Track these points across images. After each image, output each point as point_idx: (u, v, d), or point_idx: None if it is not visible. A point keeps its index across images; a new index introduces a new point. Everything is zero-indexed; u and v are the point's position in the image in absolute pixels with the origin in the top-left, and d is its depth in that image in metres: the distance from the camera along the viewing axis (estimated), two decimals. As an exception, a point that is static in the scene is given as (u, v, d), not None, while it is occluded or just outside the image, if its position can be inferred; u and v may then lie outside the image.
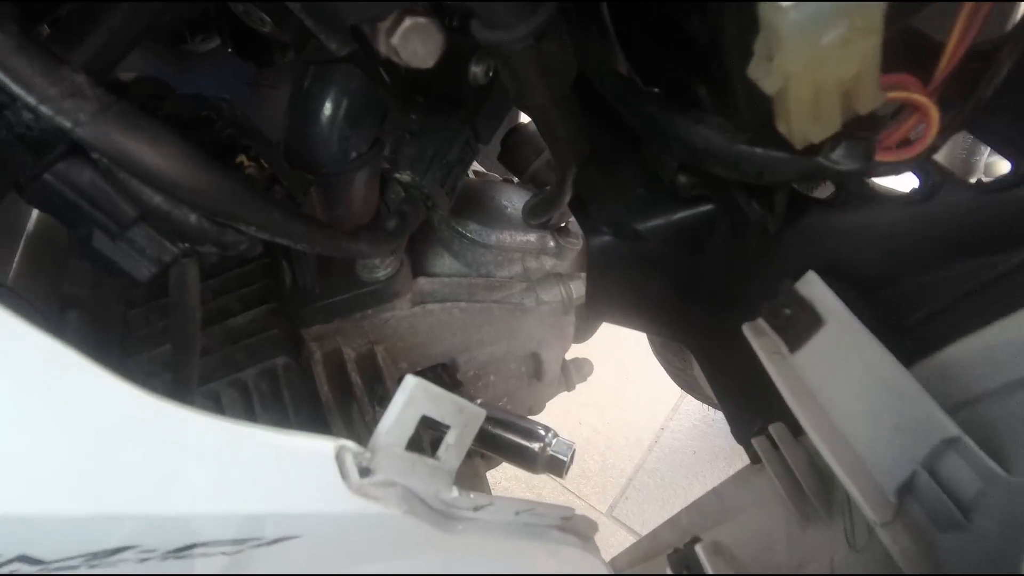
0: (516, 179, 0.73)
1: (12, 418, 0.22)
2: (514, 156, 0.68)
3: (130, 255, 0.29)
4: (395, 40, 0.28)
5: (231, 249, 0.32)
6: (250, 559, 0.33)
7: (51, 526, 0.25)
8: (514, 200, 0.65)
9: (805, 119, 0.26)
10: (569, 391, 0.82)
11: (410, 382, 0.32)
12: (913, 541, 0.29)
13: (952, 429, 0.29)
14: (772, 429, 0.45)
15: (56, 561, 0.26)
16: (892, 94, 0.26)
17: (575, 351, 0.84)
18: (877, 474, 0.31)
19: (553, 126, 0.33)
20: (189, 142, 0.27)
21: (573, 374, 0.80)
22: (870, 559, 0.34)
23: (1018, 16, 0.42)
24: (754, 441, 0.47)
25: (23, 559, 0.25)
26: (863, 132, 0.29)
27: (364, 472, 0.31)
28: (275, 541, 0.32)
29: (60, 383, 0.24)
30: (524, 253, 0.63)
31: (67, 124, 0.24)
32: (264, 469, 0.30)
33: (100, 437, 0.25)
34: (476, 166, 0.84)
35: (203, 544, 0.30)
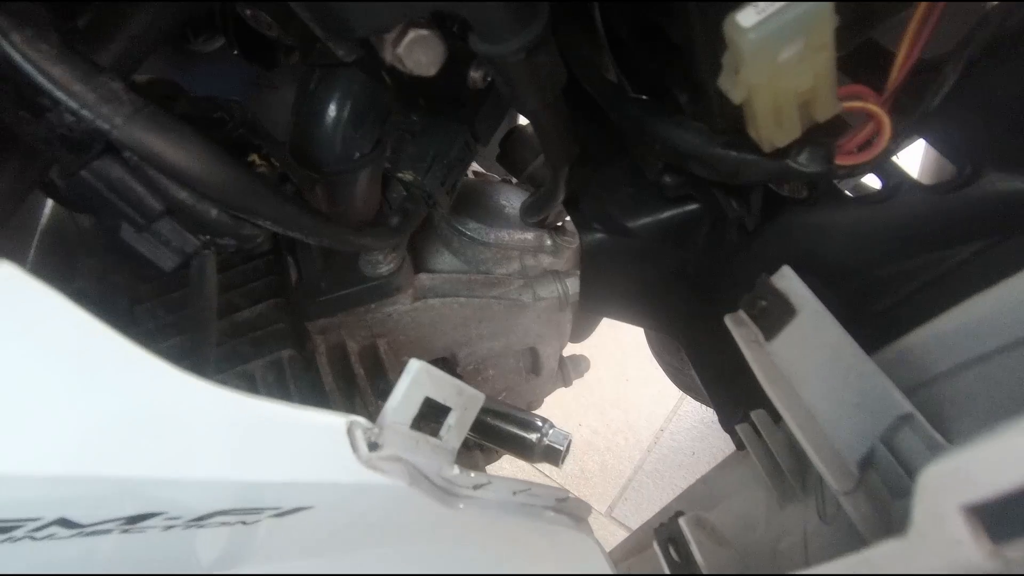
0: (515, 180, 0.75)
1: (55, 386, 0.24)
2: (512, 157, 0.70)
3: (155, 246, 0.32)
4: (400, 50, 0.31)
5: (248, 241, 0.34)
6: (267, 528, 0.35)
7: (88, 488, 0.26)
8: (512, 200, 0.68)
9: (769, 126, 0.29)
10: (566, 387, 0.85)
11: (414, 365, 0.35)
12: (871, 508, 0.32)
13: (906, 406, 0.31)
14: (754, 416, 0.47)
15: (92, 525, 0.28)
16: (847, 104, 0.29)
17: (574, 350, 0.87)
18: (841, 449, 0.34)
19: (544, 129, 0.36)
20: (212, 142, 0.30)
21: (570, 370, 0.82)
22: (838, 527, 0.37)
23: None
24: (738, 428, 0.50)
25: (62, 522, 0.27)
26: (826, 137, 0.32)
27: (373, 447, 0.34)
28: (290, 511, 0.35)
29: (100, 356, 0.26)
30: (522, 251, 0.66)
31: (105, 127, 0.27)
32: (281, 441, 0.32)
33: (134, 407, 0.27)
34: (476, 167, 0.87)
35: (223, 512, 0.33)
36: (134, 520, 0.30)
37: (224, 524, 0.34)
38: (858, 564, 0.24)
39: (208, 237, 0.33)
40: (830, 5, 0.25)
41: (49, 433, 0.24)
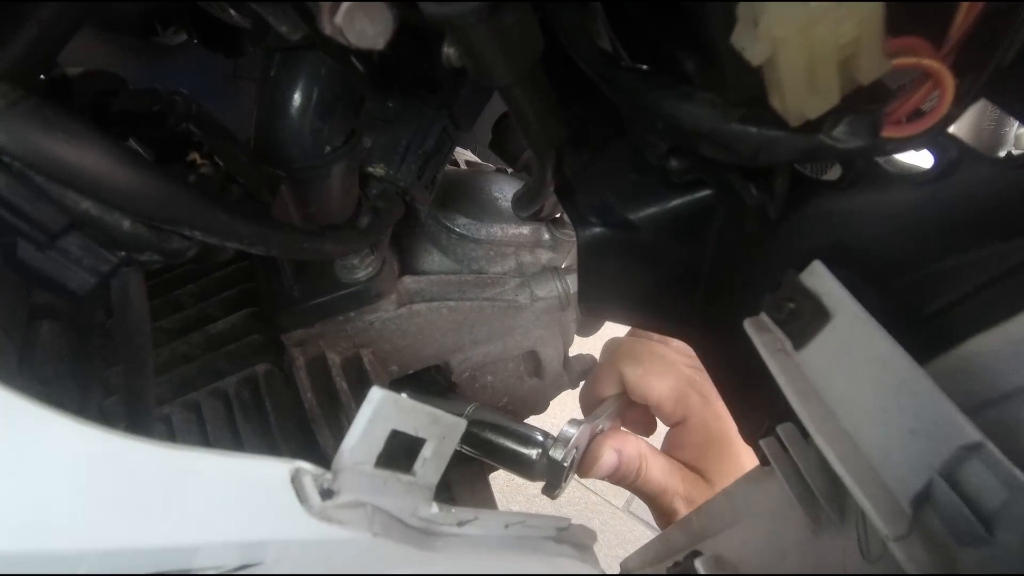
0: (510, 169, 0.70)
1: None
2: (506, 144, 0.65)
3: (63, 266, 0.27)
4: (338, 19, 0.25)
5: (177, 256, 0.29)
6: (212, 587, 0.30)
7: None
8: (506, 191, 0.62)
9: (799, 91, 0.23)
10: (573, 389, 0.80)
11: (376, 395, 0.30)
12: (930, 556, 0.26)
13: (973, 434, 0.25)
14: (780, 430, 0.41)
15: None
16: (898, 60, 0.23)
17: (584, 345, 0.81)
18: (890, 483, 0.28)
19: (521, 109, 0.30)
20: (113, 139, 0.25)
21: (577, 371, 0.77)
22: (884, 571, 0.31)
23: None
24: (762, 442, 0.44)
25: None
26: (868, 104, 0.26)
27: (326, 494, 0.29)
28: (237, 569, 0.30)
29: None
30: (517, 247, 0.61)
31: (-32, 125, 0.22)
32: (217, 496, 0.28)
33: (44, 473, 0.24)
34: (470, 156, 0.81)
35: (158, 576, 0.28)
36: (44, 591, 0.26)
37: (159, 587, 0.29)
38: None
39: (124, 253, 0.28)
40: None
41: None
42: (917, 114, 0.26)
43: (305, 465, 0.27)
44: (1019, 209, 0.27)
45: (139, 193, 0.25)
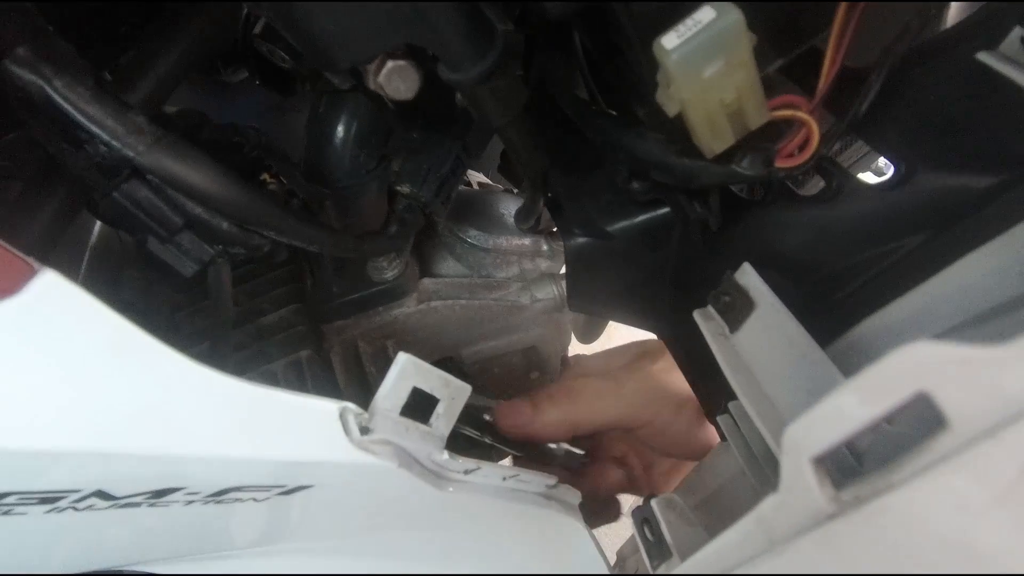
0: (515, 190, 0.80)
1: (91, 377, 0.28)
2: (512, 168, 0.75)
3: (177, 256, 0.37)
4: (380, 79, 0.36)
5: (257, 250, 0.39)
6: (276, 504, 0.39)
7: (120, 463, 0.30)
8: (511, 208, 0.72)
9: (706, 135, 0.32)
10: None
11: (402, 357, 0.39)
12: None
13: (849, 390, 0.34)
14: (732, 407, 0.50)
15: (125, 497, 0.33)
16: (776, 112, 0.32)
17: (581, 350, 0.90)
18: (794, 432, 0.37)
19: (511, 143, 0.40)
20: (221, 164, 0.35)
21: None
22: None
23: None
24: (719, 419, 0.52)
25: (100, 494, 0.31)
26: (769, 142, 0.35)
27: (364, 431, 0.38)
28: (294, 490, 0.39)
29: (129, 352, 0.30)
30: (520, 256, 0.70)
31: (131, 154, 0.32)
32: (283, 424, 0.36)
33: (158, 395, 0.30)
34: (482, 178, 0.91)
35: (236, 489, 0.37)
36: (160, 494, 0.34)
37: (237, 500, 0.38)
38: (752, 521, 0.28)
39: (221, 247, 0.38)
40: (742, 27, 0.28)
41: (86, 416, 0.28)
42: (803, 148, 0.35)
43: (350, 405, 0.36)
44: (890, 221, 0.36)
45: (236, 203, 0.35)
